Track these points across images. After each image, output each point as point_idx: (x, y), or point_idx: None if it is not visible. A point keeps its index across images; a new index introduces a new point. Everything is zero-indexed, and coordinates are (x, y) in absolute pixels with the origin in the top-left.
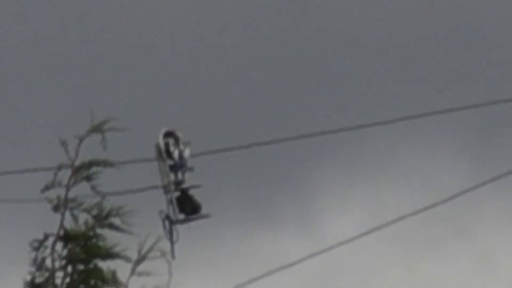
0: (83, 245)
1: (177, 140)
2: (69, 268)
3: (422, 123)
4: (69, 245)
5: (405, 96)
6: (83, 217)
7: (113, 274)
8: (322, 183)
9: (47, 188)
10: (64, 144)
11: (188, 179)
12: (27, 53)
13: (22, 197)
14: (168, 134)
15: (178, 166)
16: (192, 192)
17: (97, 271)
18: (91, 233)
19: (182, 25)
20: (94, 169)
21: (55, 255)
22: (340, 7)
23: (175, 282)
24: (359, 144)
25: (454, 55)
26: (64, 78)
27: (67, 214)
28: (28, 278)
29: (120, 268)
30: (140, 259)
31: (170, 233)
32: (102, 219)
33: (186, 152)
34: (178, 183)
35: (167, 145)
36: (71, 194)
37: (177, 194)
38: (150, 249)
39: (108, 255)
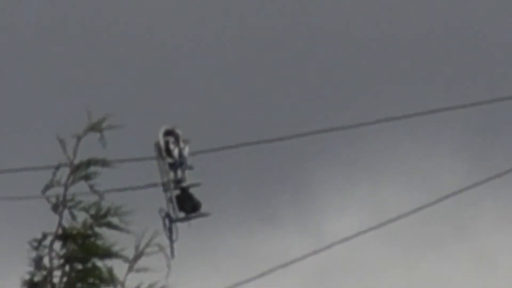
0: (81, 244)
1: (177, 138)
2: (67, 267)
3: (422, 121)
4: (67, 244)
5: (404, 95)
6: (81, 216)
7: (110, 271)
8: (322, 181)
9: (47, 187)
10: (62, 142)
11: (188, 178)
12: (24, 52)
13: (20, 196)
14: (168, 132)
15: (178, 164)
16: (192, 190)
17: (95, 270)
18: (89, 232)
19: (181, 22)
20: (92, 168)
21: (53, 254)
22: (339, 6)
23: (174, 280)
24: (358, 143)
25: (454, 54)
26: (63, 77)
27: (66, 213)
28: (26, 277)
29: (117, 265)
30: (138, 255)
31: (170, 231)
32: (100, 218)
33: (186, 150)
34: (178, 182)
35: (167, 143)
36: (69, 193)
37: (177, 192)
38: (148, 245)
39: (106, 254)
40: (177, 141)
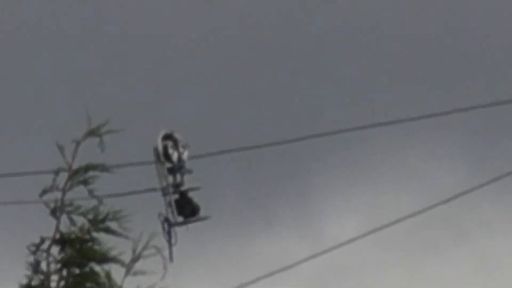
0: (79, 248)
1: (175, 143)
2: (64, 272)
3: (421, 125)
4: (65, 249)
5: (404, 98)
6: (79, 221)
7: (108, 275)
8: (321, 185)
9: (45, 192)
10: (61, 147)
11: (187, 182)
12: (23, 56)
13: (18, 200)
14: (167, 137)
15: (177, 168)
16: (191, 194)
17: (93, 274)
18: (87, 236)
19: (180, 27)
20: (91, 173)
21: (51, 258)
22: (339, 7)
23: (173, 284)
24: (358, 147)
25: (453, 58)
26: (61, 81)
27: (64, 218)
28: (24, 281)
29: (115, 269)
30: (135, 258)
31: (169, 235)
32: (98, 222)
33: (185, 155)
34: (176, 186)
35: (165, 147)
36: (67, 198)
37: (176, 196)
38: (145, 247)
39: (104, 259)
40: (176, 145)
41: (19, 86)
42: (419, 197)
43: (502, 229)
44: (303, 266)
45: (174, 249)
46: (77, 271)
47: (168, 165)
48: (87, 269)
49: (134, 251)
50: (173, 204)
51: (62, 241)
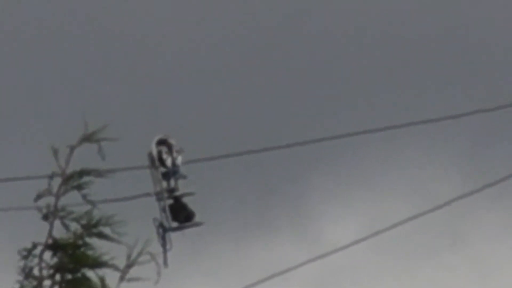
0: (71, 254)
1: (170, 148)
2: (57, 277)
3: (418, 131)
4: (57, 254)
5: (402, 104)
6: (72, 226)
7: (102, 280)
8: (318, 190)
9: (39, 197)
10: (55, 152)
11: (181, 187)
12: (20, 61)
13: (11, 205)
14: (161, 142)
15: (171, 173)
16: (185, 199)
17: (85, 280)
18: (79, 242)
19: (177, 32)
20: (85, 178)
21: (43, 264)
22: (339, 8)
23: None
24: (355, 152)
25: (450, 64)
26: (58, 86)
27: (56, 223)
28: (16, 286)
29: (110, 275)
30: (130, 264)
31: (164, 240)
32: (91, 228)
33: (179, 160)
34: (171, 191)
35: (160, 153)
36: (61, 203)
37: (170, 201)
38: (140, 254)
39: (97, 264)
40: (170, 150)
41: (16, 91)
42: (416, 203)
43: (497, 234)
44: (301, 271)
45: (169, 254)
46: (69, 276)
47: (163, 170)
48: (79, 274)
49: (128, 257)
50: (167, 210)
51: (55, 246)
